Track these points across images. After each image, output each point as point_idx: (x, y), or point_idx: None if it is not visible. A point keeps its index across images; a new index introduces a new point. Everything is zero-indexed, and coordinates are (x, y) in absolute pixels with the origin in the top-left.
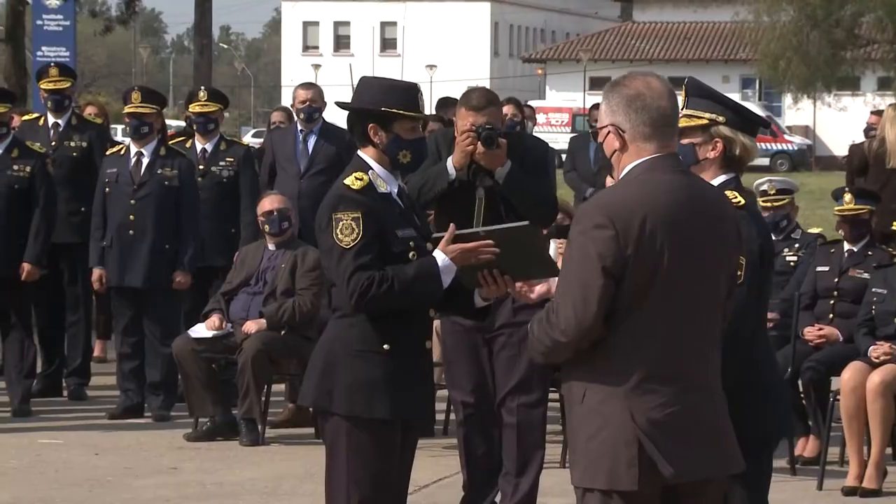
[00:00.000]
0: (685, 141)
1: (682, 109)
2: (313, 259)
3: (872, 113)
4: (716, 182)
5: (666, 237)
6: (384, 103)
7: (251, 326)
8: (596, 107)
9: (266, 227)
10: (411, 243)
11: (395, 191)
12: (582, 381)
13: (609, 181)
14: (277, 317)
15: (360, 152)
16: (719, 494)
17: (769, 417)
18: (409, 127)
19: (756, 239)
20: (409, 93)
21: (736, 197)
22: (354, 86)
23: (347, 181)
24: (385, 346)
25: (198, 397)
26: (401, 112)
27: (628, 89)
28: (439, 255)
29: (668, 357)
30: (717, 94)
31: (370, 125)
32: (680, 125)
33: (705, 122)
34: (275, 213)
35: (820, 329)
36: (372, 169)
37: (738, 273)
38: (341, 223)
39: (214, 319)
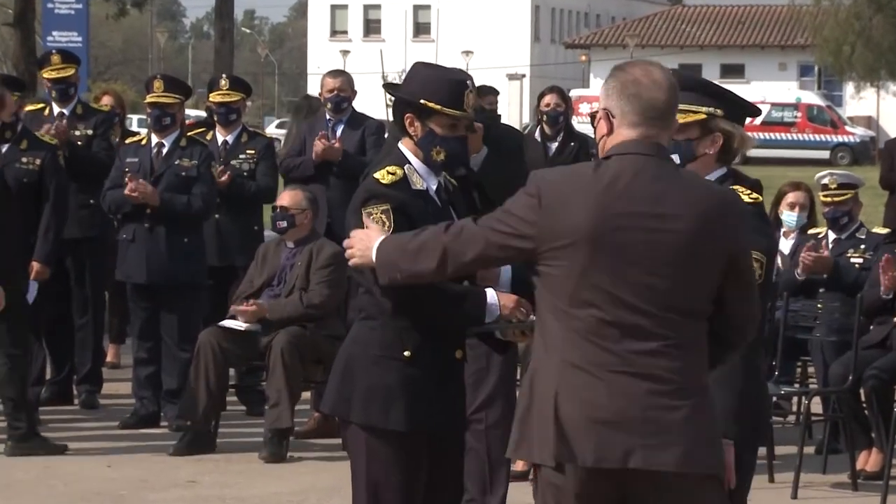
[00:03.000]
0: (681, 137)
1: None
2: (328, 254)
3: None
4: (712, 177)
5: (594, 225)
6: (424, 95)
7: (247, 308)
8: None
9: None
10: None
11: (434, 187)
12: (533, 363)
13: None
14: (281, 309)
15: (400, 144)
16: (687, 491)
17: (749, 424)
18: (448, 124)
19: (770, 237)
20: (453, 87)
21: (750, 193)
22: (384, 73)
23: (378, 175)
24: (406, 353)
25: (197, 396)
26: (437, 108)
27: (626, 75)
28: (490, 292)
29: (601, 346)
30: (706, 83)
31: (407, 115)
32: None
33: (703, 116)
34: (278, 210)
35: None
36: (409, 163)
37: (758, 272)
38: (371, 218)
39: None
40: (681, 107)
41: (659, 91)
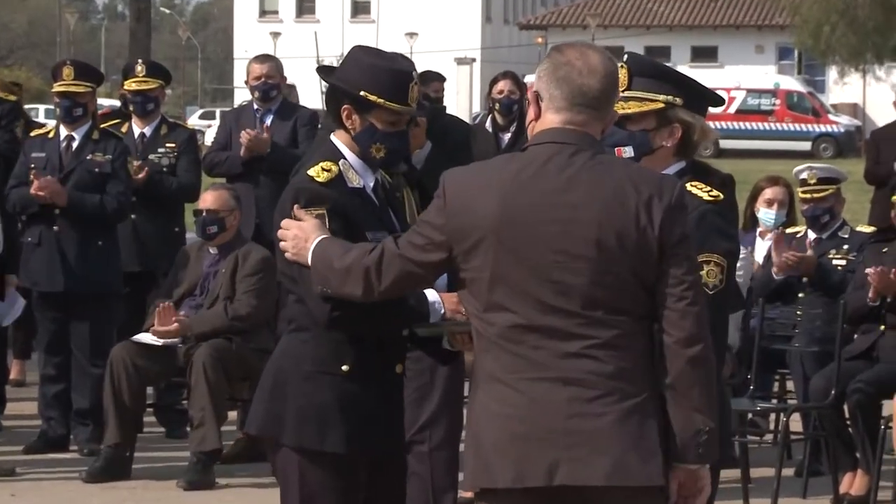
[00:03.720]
0: (636, 127)
1: (623, 91)
2: (255, 260)
3: None
4: (670, 171)
5: (497, 220)
6: (364, 87)
7: (168, 329)
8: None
9: (195, 226)
10: None
11: (371, 185)
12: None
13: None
14: (204, 323)
15: (333, 136)
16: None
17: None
18: (390, 119)
19: (732, 239)
20: (397, 79)
21: (710, 191)
22: (319, 58)
23: (312, 172)
24: (344, 368)
25: (110, 417)
26: (379, 102)
27: (561, 57)
28: (431, 293)
29: (519, 354)
30: (666, 69)
31: (345, 107)
32: (631, 110)
33: (661, 105)
34: (205, 214)
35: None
36: (344, 158)
37: (717, 276)
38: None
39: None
40: (636, 94)
41: (592, 77)
